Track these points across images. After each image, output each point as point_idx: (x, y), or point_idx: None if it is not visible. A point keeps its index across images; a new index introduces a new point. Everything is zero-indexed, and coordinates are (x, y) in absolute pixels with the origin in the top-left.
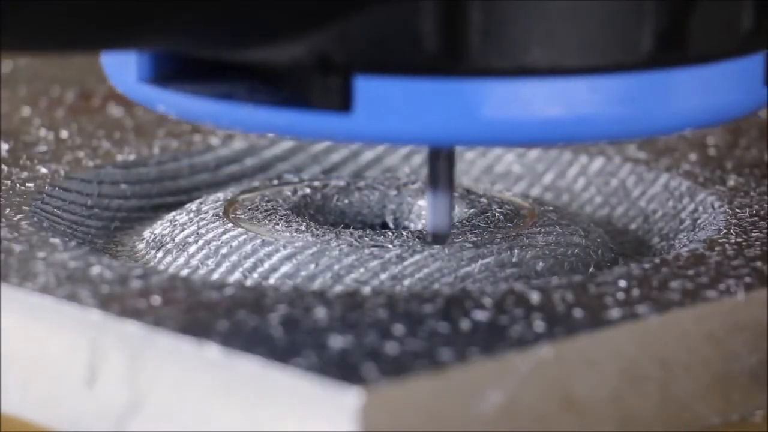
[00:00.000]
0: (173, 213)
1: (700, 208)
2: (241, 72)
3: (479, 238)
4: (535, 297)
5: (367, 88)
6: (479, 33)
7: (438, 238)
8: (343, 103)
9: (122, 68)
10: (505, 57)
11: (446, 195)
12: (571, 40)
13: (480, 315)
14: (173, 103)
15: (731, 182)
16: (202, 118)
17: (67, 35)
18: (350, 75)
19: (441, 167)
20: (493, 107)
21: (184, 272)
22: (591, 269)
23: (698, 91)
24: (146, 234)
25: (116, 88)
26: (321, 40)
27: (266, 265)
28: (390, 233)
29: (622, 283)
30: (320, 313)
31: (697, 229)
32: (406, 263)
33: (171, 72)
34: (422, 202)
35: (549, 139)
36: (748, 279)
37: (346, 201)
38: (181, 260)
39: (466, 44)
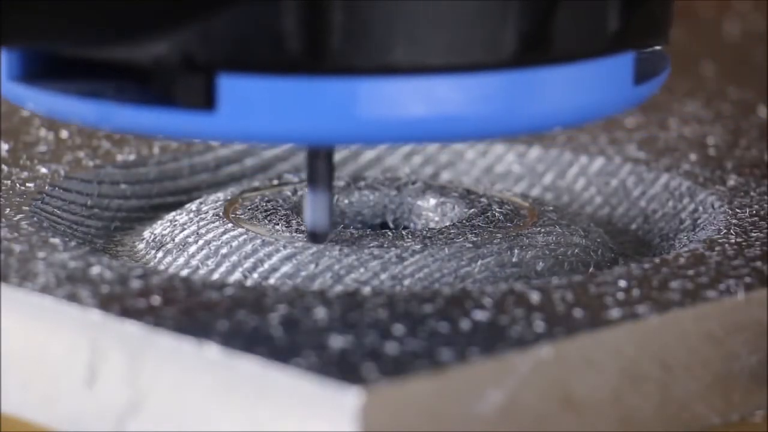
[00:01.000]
0: (173, 213)
1: (700, 208)
2: (110, 71)
3: (479, 238)
4: (535, 297)
5: (230, 87)
6: (341, 32)
7: (317, 236)
8: (207, 101)
9: None
10: (367, 56)
11: (325, 193)
12: (434, 39)
13: (480, 315)
14: (42, 101)
15: (731, 182)
16: (70, 117)
17: None
18: (213, 73)
19: (320, 166)
20: (356, 106)
21: (184, 272)
22: (591, 269)
23: (564, 90)
24: (146, 234)
25: None
26: (183, 38)
27: (266, 265)
28: (390, 233)
29: (622, 283)
30: (320, 313)
31: (697, 229)
32: (406, 263)
33: (40, 70)
34: (422, 202)
35: (414, 137)
36: (748, 279)
37: (346, 201)
38: (181, 260)
39: (328, 43)
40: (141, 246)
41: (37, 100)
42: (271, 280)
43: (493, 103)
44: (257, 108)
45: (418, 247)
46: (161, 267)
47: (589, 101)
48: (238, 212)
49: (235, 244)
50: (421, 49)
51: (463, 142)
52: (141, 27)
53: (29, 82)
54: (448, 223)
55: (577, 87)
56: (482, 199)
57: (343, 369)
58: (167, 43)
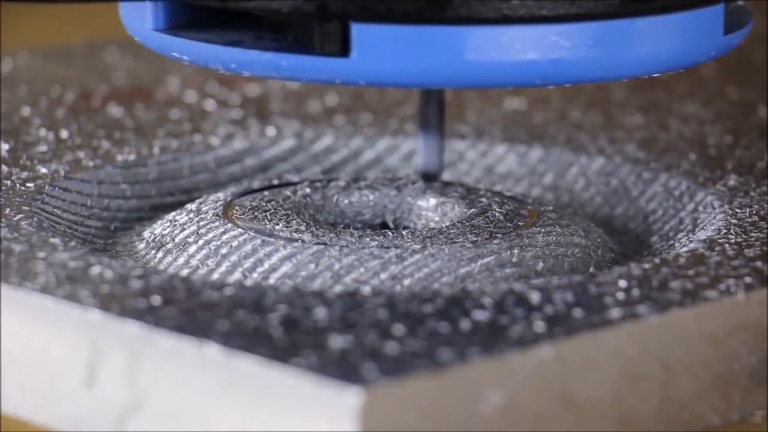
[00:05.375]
0: (173, 213)
1: (700, 208)
2: (248, 20)
3: (479, 238)
4: (535, 297)
5: (362, 34)
6: None
7: (429, 176)
8: (342, 48)
9: (138, 18)
10: (486, 6)
11: (437, 135)
12: None
13: (480, 315)
14: (186, 50)
15: (731, 182)
16: (213, 63)
17: None
18: (347, 22)
19: (431, 109)
20: (476, 51)
21: (184, 272)
22: (591, 269)
23: (663, 38)
24: (146, 234)
25: (133, 37)
26: None
27: (266, 265)
28: (390, 233)
29: (622, 283)
30: (320, 313)
31: (697, 229)
32: (406, 263)
33: (183, 21)
34: (422, 202)
35: (525, 80)
36: (748, 279)
37: (346, 201)
38: (181, 260)
39: None
40: (141, 246)
41: (182, 49)
42: (271, 280)
43: (596, 49)
44: (387, 54)
45: (418, 247)
46: (161, 267)
47: (684, 48)
48: (238, 212)
49: (235, 244)
50: (534, 1)
51: (570, 84)
52: None
53: (174, 32)
54: (448, 223)
55: (675, 35)
56: (482, 199)
57: (343, 369)
58: None
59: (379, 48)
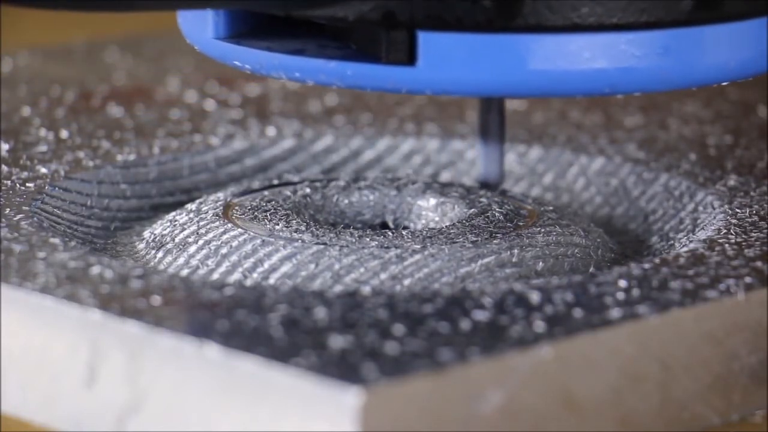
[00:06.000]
0: (173, 213)
1: (700, 208)
2: (309, 28)
3: (479, 238)
4: (535, 297)
5: (429, 43)
6: None
7: (490, 185)
8: (408, 56)
9: (198, 27)
10: (554, 14)
11: (497, 144)
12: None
13: (480, 315)
14: (248, 58)
15: (731, 182)
16: (276, 72)
17: None
18: (414, 30)
19: (492, 118)
20: (544, 60)
21: (184, 272)
22: (591, 269)
23: (731, 46)
24: (146, 234)
25: (193, 45)
26: None
27: (266, 265)
28: (390, 233)
29: (622, 283)
30: (320, 313)
31: (697, 229)
32: (406, 263)
33: (244, 29)
34: (422, 202)
35: (594, 89)
36: (748, 279)
37: (346, 201)
38: (181, 260)
39: (520, 3)
40: (141, 246)
41: (244, 57)
42: (271, 280)
43: (665, 57)
44: (453, 62)
45: (418, 247)
46: (161, 267)
47: (751, 57)
48: (238, 212)
49: (235, 244)
50: (604, 8)
51: (639, 93)
52: None
53: (236, 40)
54: (448, 223)
55: (742, 43)
56: (482, 199)
57: (343, 369)
58: (371, 1)
59: (447, 57)
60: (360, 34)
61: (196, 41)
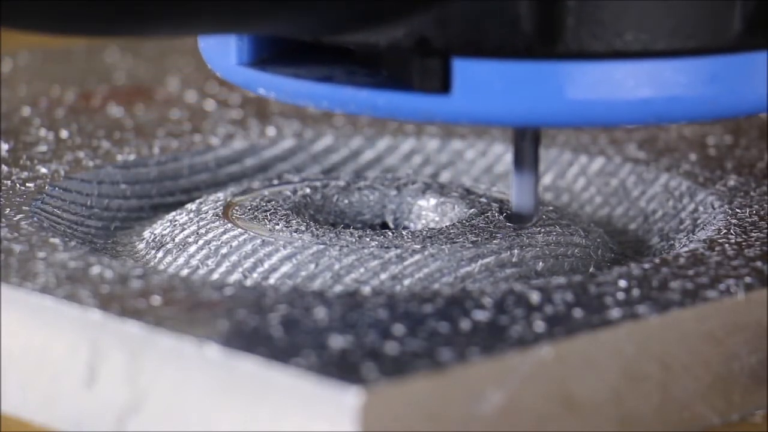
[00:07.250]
0: (173, 213)
1: (700, 208)
2: (339, 54)
3: (479, 238)
4: (535, 297)
5: (464, 71)
6: (574, 17)
7: (522, 218)
8: (443, 84)
9: (221, 53)
10: (597, 40)
11: (531, 175)
12: (661, 24)
13: (480, 315)
14: (273, 85)
15: (731, 182)
16: (303, 100)
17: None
18: (448, 57)
19: (526, 148)
20: (586, 89)
21: (184, 272)
22: (591, 269)
23: None
24: (146, 234)
25: (215, 72)
26: (420, 23)
27: (266, 265)
28: (390, 233)
29: (622, 283)
30: (320, 313)
31: (697, 229)
32: (406, 263)
33: (268, 55)
34: (422, 202)
35: (639, 119)
36: (748, 279)
37: (346, 201)
38: (181, 260)
39: (561, 28)
40: (141, 246)
41: (269, 85)
42: (271, 280)
43: (713, 85)
44: (490, 91)
45: (418, 247)
46: (161, 267)
47: None
48: (238, 212)
49: (235, 244)
50: (649, 34)
51: (685, 122)
52: (381, 13)
53: (260, 66)
54: (448, 223)
55: None
56: (482, 199)
57: (343, 369)
58: (404, 27)
59: (483, 85)
60: (391, 60)
61: (218, 67)
